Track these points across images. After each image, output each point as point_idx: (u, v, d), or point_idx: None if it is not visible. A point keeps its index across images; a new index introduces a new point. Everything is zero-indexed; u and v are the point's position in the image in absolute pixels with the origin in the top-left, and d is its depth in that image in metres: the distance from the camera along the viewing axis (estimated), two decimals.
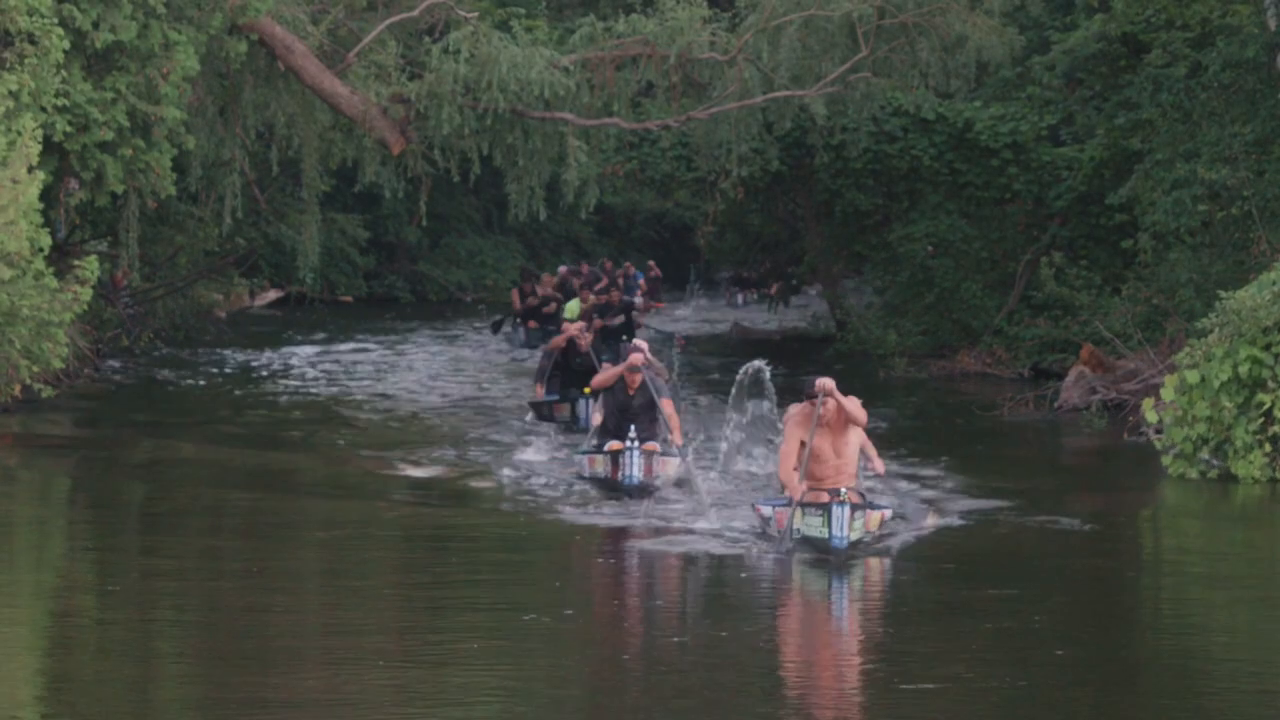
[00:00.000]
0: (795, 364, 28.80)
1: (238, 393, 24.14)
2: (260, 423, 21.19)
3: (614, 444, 15.96)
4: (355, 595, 11.91)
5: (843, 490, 12.91)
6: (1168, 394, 17.28)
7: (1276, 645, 10.86)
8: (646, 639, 10.77)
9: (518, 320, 31.61)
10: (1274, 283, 16.94)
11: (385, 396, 23.81)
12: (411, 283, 43.35)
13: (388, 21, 22.35)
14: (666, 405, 16.41)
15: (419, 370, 27.03)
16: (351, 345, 31.33)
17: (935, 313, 27.60)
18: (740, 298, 44.74)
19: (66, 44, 17.09)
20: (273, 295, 39.05)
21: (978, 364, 26.50)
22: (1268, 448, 16.41)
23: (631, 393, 16.53)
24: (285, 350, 29.93)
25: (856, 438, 13.55)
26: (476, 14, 22.66)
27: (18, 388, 16.92)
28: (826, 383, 13.26)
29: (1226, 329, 16.66)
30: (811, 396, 13.21)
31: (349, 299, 40.91)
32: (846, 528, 12.66)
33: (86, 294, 17.05)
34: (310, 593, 12.12)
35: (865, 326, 29.09)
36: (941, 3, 22.83)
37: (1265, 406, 16.36)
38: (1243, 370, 16.52)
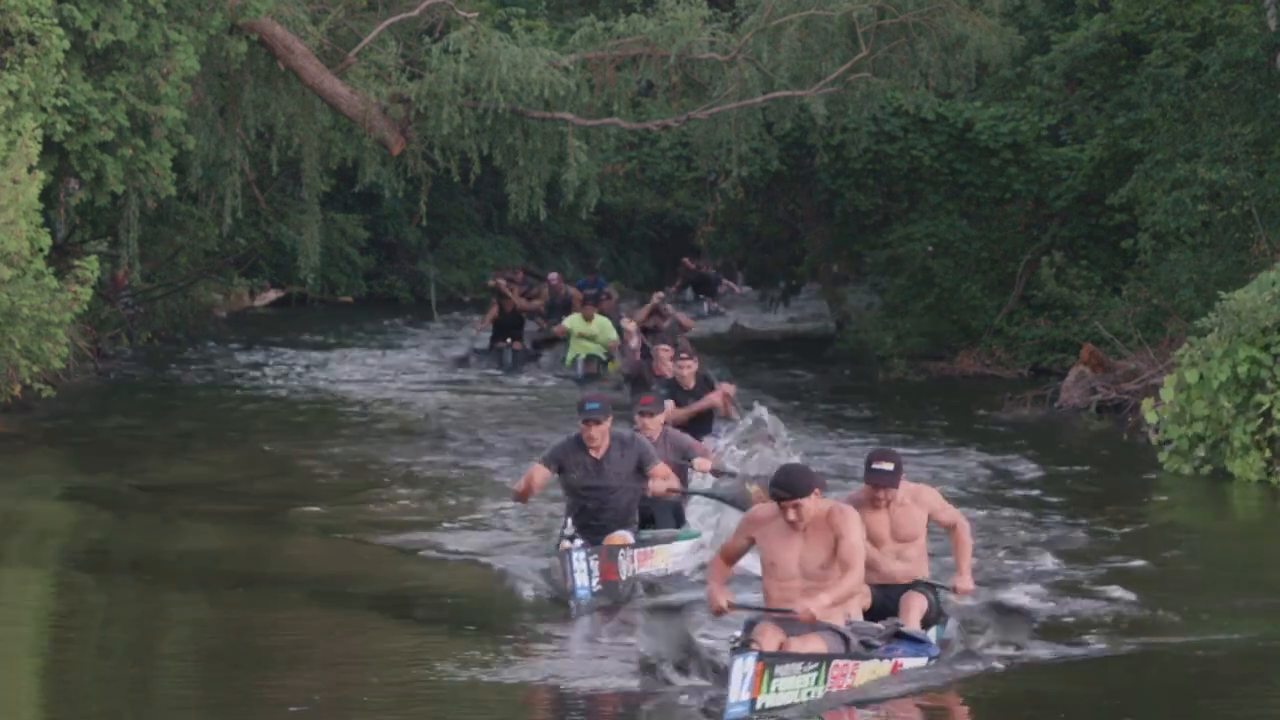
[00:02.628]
0: (795, 365, 28.82)
1: (238, 393, 24.16)
2: (260, 423, 21.19)
3: (565, 542, 11.95)
4: (355, 597, 11.91)
5: (735, 637, 8.92)
6: (1167, 393, 17.29)
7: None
8: None
9: (492, 339, 28.32)
10: (1273, 283, 16.93)
11: (384, 404, 23.80)
12: (411, 283, 43.33)
13: (388, 21, 22.35)
14: (657, 474, 12.09)
15: (414, 379, 26.48)
16: (350, 346, 31.30)
17: (935, 313, 27.58)
18: (706, 306, 40.88)
19: (66, 44, 17.07)
20: (273, 295, 39.02)
21: (977, 364, 26.48)
22: (1266, 450, 16.40)
23: (597, 456, 12.02)
24: (285, 351, 29.93)
25: (854, 552, 9.34)
26: (476, 14, 22.64)
27: (18, 388, 16.91)
28: (802, 502, 9.27)
29: (1225, 329, 16.65)
30: (778, 496, 9.34)
31: (349, 299, 40.89)
32: (748, 690, 8.63)
33: (86, 294, 17.03)
34: (309, 593, 12.11)
35: (865, 327, 29.09)
36: (941, 3, 22.82)
37: (1264, 407, 16.36)
38: (1241, 370, 16.52)
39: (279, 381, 25.61)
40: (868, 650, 9.43)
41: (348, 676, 9.71)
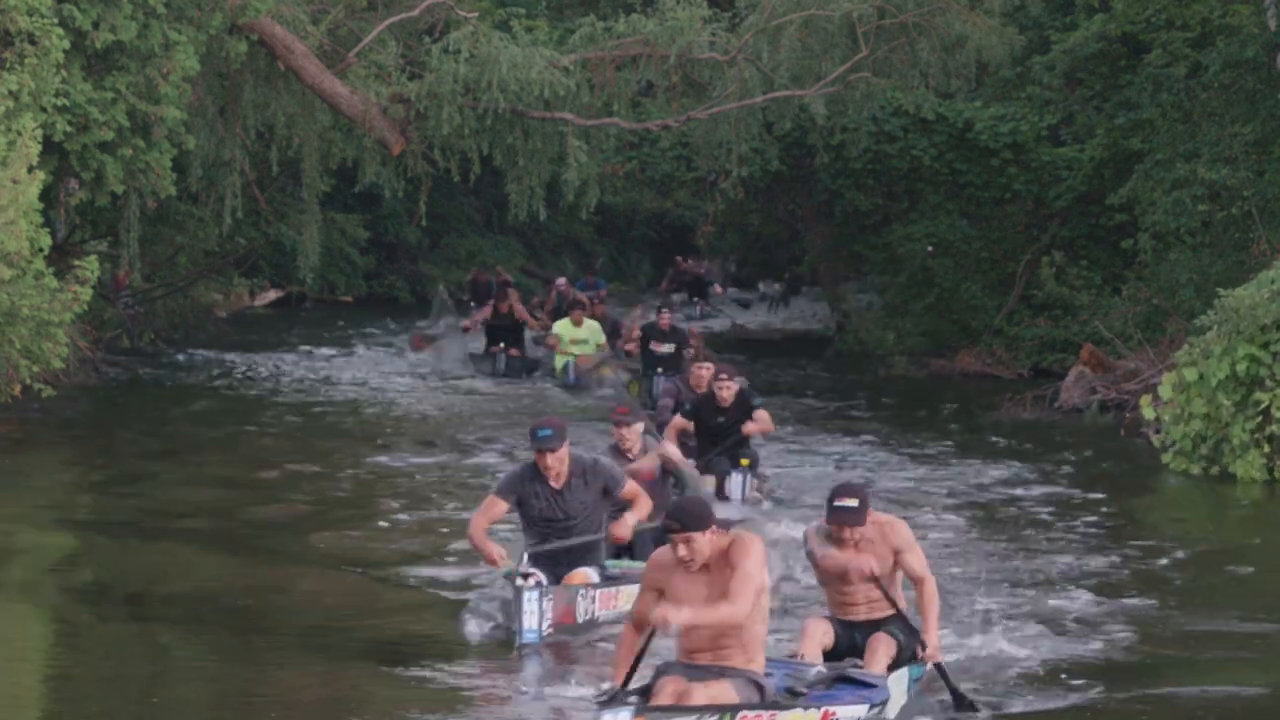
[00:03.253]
0: (795, 364, 28.83)
1: (237, 393, 24.14)
2: (260, 422, 21.18)
3: (519, 578, 10.55)
4: (353, 597, 11.91)
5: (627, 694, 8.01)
6: (1166, 391, 17.29)
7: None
8: None
9: (486, 344, 26.64)
10: (1273, 281, 16.94)
11: (382, 408, 23.74)
12: (411, 283, 43.34)
13: (388, 21, 22.37)
14: (626, 496, 10.93)
15: (411, 382, 26.06)
16: (349, 348, 31.26)
17: (935, 313, 27.59)
18: (699, 309, 38.08)
19: (66, 44, 17.07)
20: (273, 295, 39.02)
21: (977, 364, 26.49)
22: (1265, 447, 16.40)
23: (557, 486, 10.80)
24: (284, 351, 29.92)
25: (744, 583, 8.11)
26: (476, 14, 22.67)
27: (18, 388, 16.90)
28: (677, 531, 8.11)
29: (1225, 327, 16.65)
30: (669, 529, 8.21)
31: (349, 299, 40.90)
32: None
33: (86, 294, 17.03)
34: (309, 592, 12.10)
35: (865, 327, 29.10)
36: (941, 3, 22.84)
37: (1263, 405, 16.35)
38: (1240, 369, 16.52)
39: (278, 383, 25.58)
40: (792, 697, 8.43)
41: (342, 674, 9.71)
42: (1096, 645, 10.60)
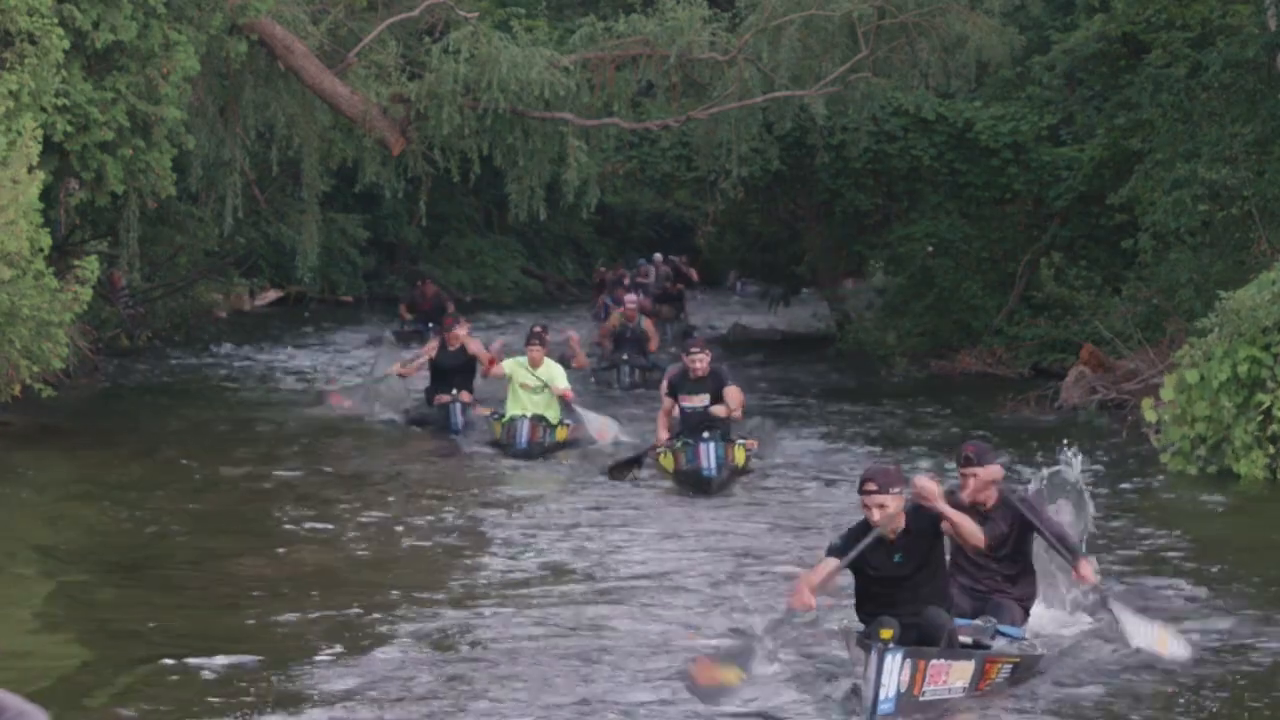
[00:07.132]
0: (795, 364, 28.83)
1: (237, 394, 24.15)
2: (260, 422, 21.17)
3: None
4: (354, 595, 11.91)
5: None
6: (1167, 393, 17.29)
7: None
8: None
9: (432, 389, 20.18)
10: (1274, 282, 16.94)
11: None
12: (411, 283, 43.37)
13: (388, 21, 22.37)
14: None
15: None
16: (346, 349, 31.25)
17: (935, 313, 27.60)
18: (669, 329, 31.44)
19: (66, 44, 17.06)
20: (273, 295, 39.05)
21: (978, 364, 26.51)
22: (1269, 449, 16.39)
23: None
24: (284, 350, 29.93)
25: None
26: (476, 14, 22.68)
27: (18, 388, 16.90)
28: None
29: (1226, 329, 16.65)
30: None
31: (349, 299, 40.91)
32: None
33: (86, 294, 17.03)
34: (310, 590, 12.11)
35: (865, 327, 29.12)
36: (941, 3, 22.87)
37: (1264, 406, 16.36)
38: (1242, 370, 16.52)
39: (277, 383, 25.58)
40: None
41: (356, 672, 9.72)
42: (1094, 648, 10.59)
